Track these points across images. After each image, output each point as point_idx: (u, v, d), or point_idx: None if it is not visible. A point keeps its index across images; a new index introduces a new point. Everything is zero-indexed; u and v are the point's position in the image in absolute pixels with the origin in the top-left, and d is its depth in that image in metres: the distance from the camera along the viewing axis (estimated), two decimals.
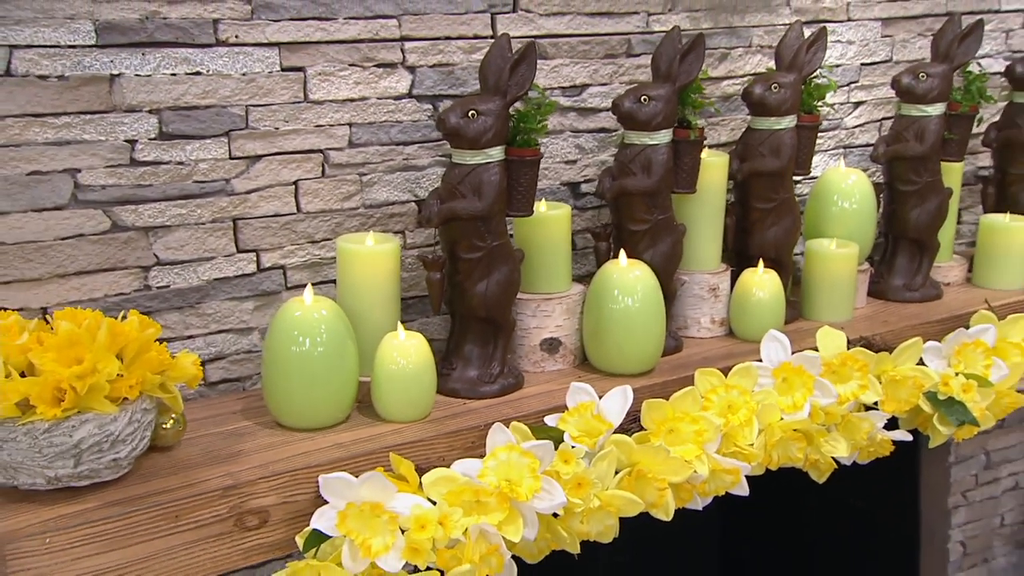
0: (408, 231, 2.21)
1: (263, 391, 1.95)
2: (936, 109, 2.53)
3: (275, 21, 2.03)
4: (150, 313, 2.00)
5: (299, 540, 1.78)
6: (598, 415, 1.94)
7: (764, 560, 3.19)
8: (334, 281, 2.15)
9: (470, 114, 1.98)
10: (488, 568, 1.80)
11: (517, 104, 2.07)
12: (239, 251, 2.07)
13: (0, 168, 1.86)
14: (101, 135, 1.93)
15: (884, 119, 2.80)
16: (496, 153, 2.00)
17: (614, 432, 1.93)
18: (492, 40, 2.21)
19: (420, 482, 1.81)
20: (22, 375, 1.69)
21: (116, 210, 1.96)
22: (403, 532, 1.76)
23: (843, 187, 2.52)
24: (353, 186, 2.15)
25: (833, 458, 2.19)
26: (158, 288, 2.01)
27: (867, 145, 2.78)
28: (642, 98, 2.17)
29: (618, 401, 1.95)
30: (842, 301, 2.46)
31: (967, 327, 2.43)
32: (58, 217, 1.92)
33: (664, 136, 2.19)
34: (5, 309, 1.89)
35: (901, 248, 2.63)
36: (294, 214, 2.10)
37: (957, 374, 2.33)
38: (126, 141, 1.95)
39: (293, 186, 2.09)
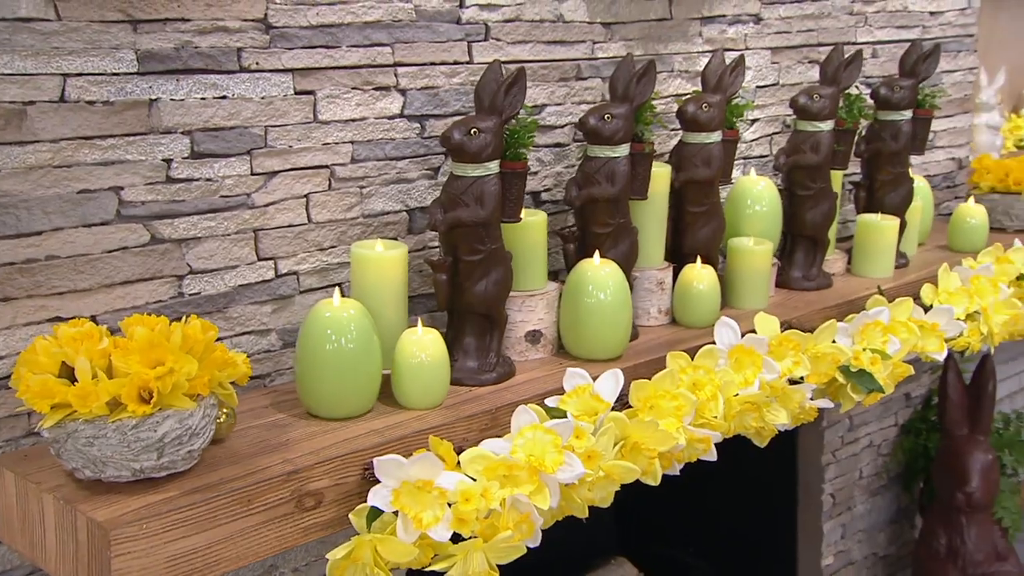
0: (399, 238, 2.26)
1: (297, 385, 1.98)
2: (828, 125, 2.70)
3: (289, 49, 2.06)
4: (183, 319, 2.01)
5: (352, 517, 1.83)
6: (596, 395, 2.03)
7: (670, 522, 3.33)
8: (339, 285, 2.18)
9: (472, 132, 2.04)
10: (521, 534, 1.87)
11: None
12: (259, 259, 2.09)
13: (55, 187, 1.85)
14: (141, 155, 1.93)
15: (774, 134, 2.96)
16: (494, 166, 2.08)
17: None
18: (469, 65, 2.28)
19: (458, 461, 1.87)
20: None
21: (155, 224, 1.96)
22: (449, 506, 1.82)
23: (755, 192, 2.67)
24: (355, 198, 2.19)
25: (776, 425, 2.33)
26: (190, 295, 2.02)
27: (762, 156, 2.94)
28: (605, 116, 2.27)
29: (611, 383, 2.05)
30: (759, 291, 2.61)
31: (864, 310, 2.60)
32: (105, 232, 1.91)
33: (624, 150, 2.29)
34: (68, 319, 1.88)
35: (799, 245, 2.80)
36: (305, 224, 2.13)
37: (864, 349, 2.50)
38: (163, 160, 1.95)
39: (305, 199, 2.12)
